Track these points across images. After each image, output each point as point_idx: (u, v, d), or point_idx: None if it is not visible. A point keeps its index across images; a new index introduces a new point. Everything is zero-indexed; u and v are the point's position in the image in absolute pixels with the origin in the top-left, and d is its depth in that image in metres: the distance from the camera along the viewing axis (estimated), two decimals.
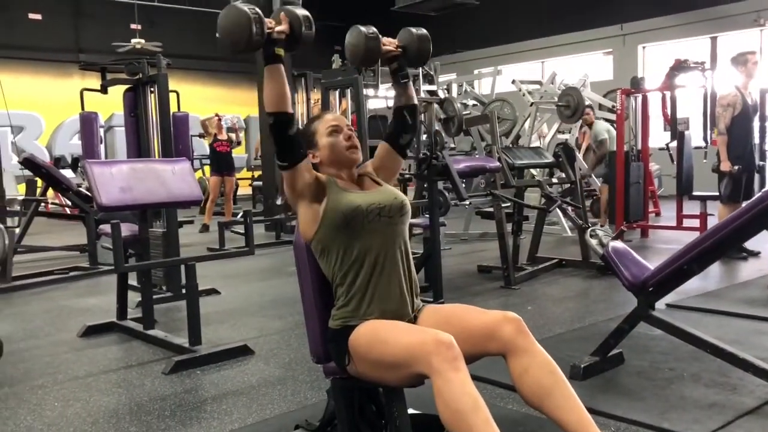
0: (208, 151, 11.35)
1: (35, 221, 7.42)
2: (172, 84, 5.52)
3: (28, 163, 7.33)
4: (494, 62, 13.61)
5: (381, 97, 8.32)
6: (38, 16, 14.93)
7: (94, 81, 6.57)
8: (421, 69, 8.30)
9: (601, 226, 7.50)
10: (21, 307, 5.05)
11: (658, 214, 9.28)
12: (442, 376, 1.74)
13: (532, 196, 8.21)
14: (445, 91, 9.67)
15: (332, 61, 8.29)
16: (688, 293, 4.55)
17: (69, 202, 8.71)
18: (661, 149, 8.23)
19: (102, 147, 7.95)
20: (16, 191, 11.66)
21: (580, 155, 8.40)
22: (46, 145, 15.44)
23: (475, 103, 10.04)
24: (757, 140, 6.29)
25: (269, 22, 1.89)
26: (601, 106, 9.20)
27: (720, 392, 2.78)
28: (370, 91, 7.77)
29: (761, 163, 6.24)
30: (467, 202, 7.21)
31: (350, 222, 2.02)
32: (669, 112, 7.36)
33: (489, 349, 1.97)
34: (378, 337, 1.93)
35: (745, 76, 5.93)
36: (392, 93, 2.22)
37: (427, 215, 4.94)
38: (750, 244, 5.72)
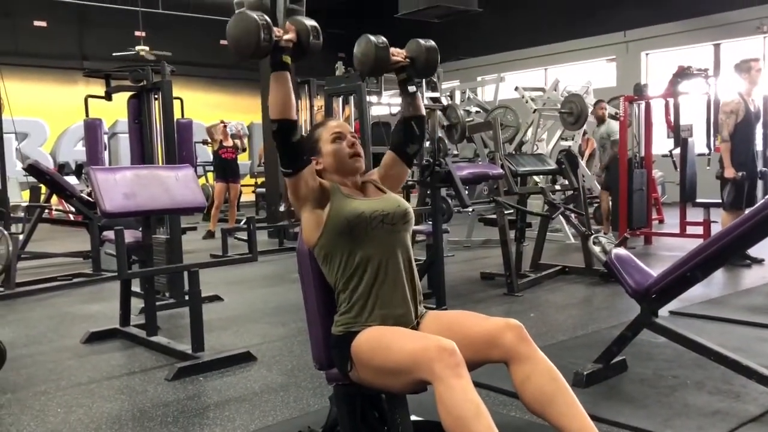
0: (211, 158, 11.39)
1: (39, 227, 7.44)
2: (176, 91, 5.54)
3: (32, 169, 7.35)
4: (497, 69, 13.64)
5: (384, 104, 8.33)
6: (43, 24, 15.01)
7: (98, 88, 6.58)
8: None
9: (604, 233, 7.49)
10: (24, 314, 5.06)
11: (661, 221, 9.28)
12: (444, 382, 1.74)
13: (535, 203, 8.21)
14: (448, 98, 9.67)
15: (336, 68, 8.31)
16: (692, 300, 4.54)
17: (73, 209, 8.73)
18: (664, 156, 8.22)
19: (106, 153, 7.97)
20: (20, 197, 11.70)
21: (583, 162, 8.39)
22: (50, 152, 15.50)
23: (478, 110, 10.03)
24: (760, 147, 6.29)
25: (277, 30, 1.90)
26: None
27: (723, 400, 2.77)
28: (373, 98, 7.78)
29: (764, 169, 6.23)
30: (470, 209, 7.22)
31: (354, 228, 2.03)
32: (672, 119, 7.35)
33: (491, 356, 1.97)
34: (380, 343, 1.94)
35: (749, 83, 5.93)
36: (396, 100, 2.23)
37: (430, 222, 4.94)
38: (753, 251, 5.71)
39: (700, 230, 6.89)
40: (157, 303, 4.30)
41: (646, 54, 14.45)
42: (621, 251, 3.05)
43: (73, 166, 12.30)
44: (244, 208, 13.12)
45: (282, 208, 8.78)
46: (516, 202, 5.67)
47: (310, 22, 1.98)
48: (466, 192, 5.08)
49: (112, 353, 3.90)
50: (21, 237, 6.99)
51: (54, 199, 8.42)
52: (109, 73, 6.38)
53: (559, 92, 9.15)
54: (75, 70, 14.52)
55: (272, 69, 1.95)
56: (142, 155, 5.61)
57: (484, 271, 5.94)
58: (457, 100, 10.09)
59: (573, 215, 5.84)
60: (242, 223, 9.15)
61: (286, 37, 1.93)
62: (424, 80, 8.47)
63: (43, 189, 8.26)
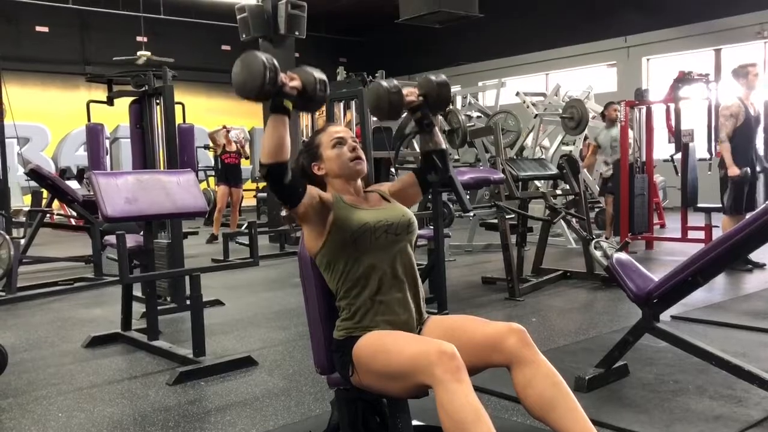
0: (212, 163, 11.41)
1: (40, 232, 7.44)
2: (178, 96, 5.55)
3: (34, 174, 7.37)
4: (498, 74, 13.64)
5: None
6: (45, 29, 15.06)
7: (100, 93, 6.61)
8: None
9: (606, 238, 7.48)
10: (26, 318, 5.06)
11: (662, 225, 9.27)
12: (444, 386, 1.74)
13: (537, 208, 8.21)
14: (450, 103, 9.68)
15: (337, 73, 8.33)
16: (693, 305, 4.54)
17: (74, 213, 8.75)
18: (665, 161, 8.22)
19: (108, 158, 7.98)
20: (22, 202, 11.71)
21: (584, 168, 8.38)
22: (52, 157, 15.52)
23: (480, 115, 10.06)
24: (761, 151, 6.30)
25: (284, 76, 1.88)
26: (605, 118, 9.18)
27: (725, 404, 2.76)
28: None
29: (765, 166, 6.24)
30: (471, 214, 7.22)
31: (358, 239, 2.03)
32: (673, 124, 7.36)
33: (493, 361, 1.97)
34: (381, 347, 1.94)
35: (746, 88, 5.97)
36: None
37: (432, 226, 4.94)
38: (755, 256, 5.71)
39: (701, 235, 6.89)
40: (159, 307, 4.30)
41: (647, 59, 14.46)
42: (622, 256, 3.05)
43: (75, 171, 12.33)
44: (246, 213, 13.12)
45: (283, 213, 8.78)
46: (517, 206, 5.67)
47: (320, 75, 1.95)
48: (468, 196, 5.08)
49: (114, 357, 3.90)
50: (22, 241, 7.00)
51: (55, 203, 8.44)
52: (111, 78, 6.40)
53: (560, 97, 9.16)
54: (77, 76, 14.59)
55: (272, 111, 1.91)
56: (144, 160, 5.62)
57: (486, 275, 5.95)
58: (459, 105, 10.12)
59: (574, 220, 5.84)
60: (244, 227, 9.16)
61: (291, 84, 1.90)
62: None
63: (45, 194, 8.28)
